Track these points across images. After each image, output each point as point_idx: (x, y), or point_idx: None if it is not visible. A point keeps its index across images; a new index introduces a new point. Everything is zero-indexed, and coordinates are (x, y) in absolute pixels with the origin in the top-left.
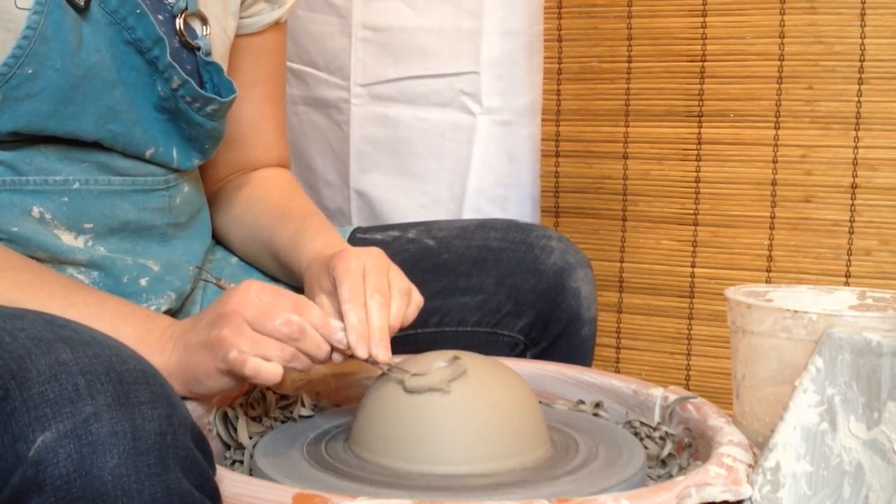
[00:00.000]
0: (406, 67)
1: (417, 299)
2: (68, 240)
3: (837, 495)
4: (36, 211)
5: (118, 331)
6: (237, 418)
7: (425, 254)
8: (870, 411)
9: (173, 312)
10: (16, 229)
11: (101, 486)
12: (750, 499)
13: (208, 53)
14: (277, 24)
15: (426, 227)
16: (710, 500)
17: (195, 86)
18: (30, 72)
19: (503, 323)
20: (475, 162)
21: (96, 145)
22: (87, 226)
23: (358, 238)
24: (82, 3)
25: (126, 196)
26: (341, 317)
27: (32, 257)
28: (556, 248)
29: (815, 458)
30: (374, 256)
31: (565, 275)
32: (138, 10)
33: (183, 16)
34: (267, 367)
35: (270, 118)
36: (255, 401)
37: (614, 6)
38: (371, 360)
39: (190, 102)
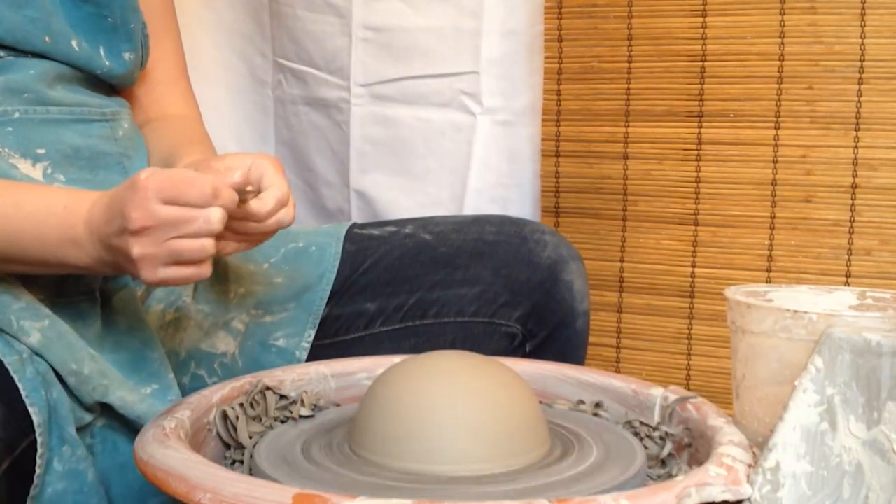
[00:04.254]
0: (406, 67)
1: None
2: (26, 168)
3: (837, 495)
4: None
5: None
6: (237, 418)
7: (422, 248)
8: (870, 411)
9: None
10: None
11: None
12: (750, 499)
13: None
14: None
15: (423, 222)
16: (710, 499)
17: None
18: None
19: (500, 313)
20: (475, 162)
21: (34, 79)
22: (40, 151)
23: (355, 233)
24: None
25: (67, 125)
26: None
27: None
28: (549, 241)
29: (815, 458)
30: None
31: (559, 267)
32: None
33: None
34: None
35: (172, 52)
36: (255, 401)
37: (614, 6)
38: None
39: None
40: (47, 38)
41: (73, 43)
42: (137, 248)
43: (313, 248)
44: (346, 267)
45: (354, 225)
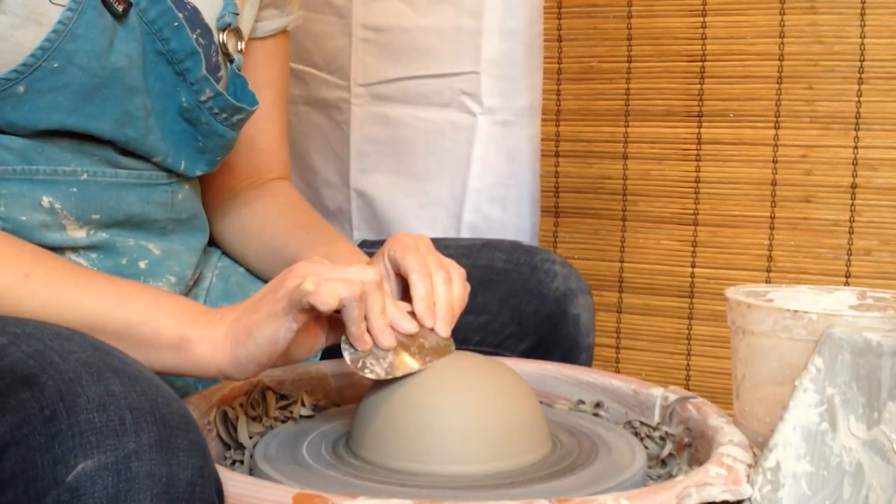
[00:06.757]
0: (406, 67)
1: (468, 285)
2: (73, 230)
3: (837, 495)
4: (46, 201)
5: (161, 306)
6: (237, 418)
7: None
8: (870, 411)
9: None
10: (24, 219)
11: None
12: (750, 499)
13: (239, 68)
14: (284, 32)
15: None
16: (710, 500)
17: (227, 97)
18: (55, 66)
19: (505, 344)
20: (475, 162)
21: (109, 143)
22: (95, 217)
23: (365, 252)
24: (120, 10)
25: (131, 189)
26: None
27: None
28: (559, 272)
29: (815, 458)
30: (426, 239)
31: (567, 300)
32: (175, 24)
33: (226, 31)
34: (327, 284)
35: (277, 121)
36: (255, 401)
37: (614, 6)
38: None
39: (217, 113)
40: (134, 151)
41: (158, 158)
42: (298, 266)
43: None
44: None
45: (364, 242)
